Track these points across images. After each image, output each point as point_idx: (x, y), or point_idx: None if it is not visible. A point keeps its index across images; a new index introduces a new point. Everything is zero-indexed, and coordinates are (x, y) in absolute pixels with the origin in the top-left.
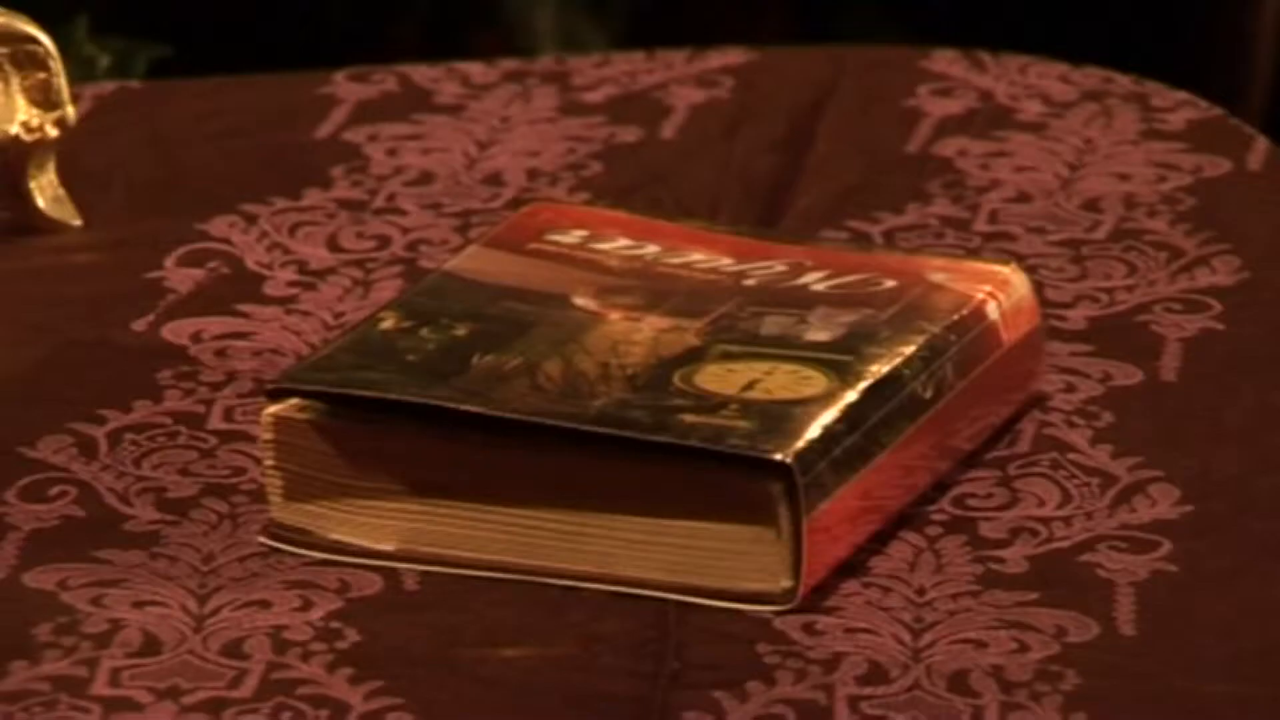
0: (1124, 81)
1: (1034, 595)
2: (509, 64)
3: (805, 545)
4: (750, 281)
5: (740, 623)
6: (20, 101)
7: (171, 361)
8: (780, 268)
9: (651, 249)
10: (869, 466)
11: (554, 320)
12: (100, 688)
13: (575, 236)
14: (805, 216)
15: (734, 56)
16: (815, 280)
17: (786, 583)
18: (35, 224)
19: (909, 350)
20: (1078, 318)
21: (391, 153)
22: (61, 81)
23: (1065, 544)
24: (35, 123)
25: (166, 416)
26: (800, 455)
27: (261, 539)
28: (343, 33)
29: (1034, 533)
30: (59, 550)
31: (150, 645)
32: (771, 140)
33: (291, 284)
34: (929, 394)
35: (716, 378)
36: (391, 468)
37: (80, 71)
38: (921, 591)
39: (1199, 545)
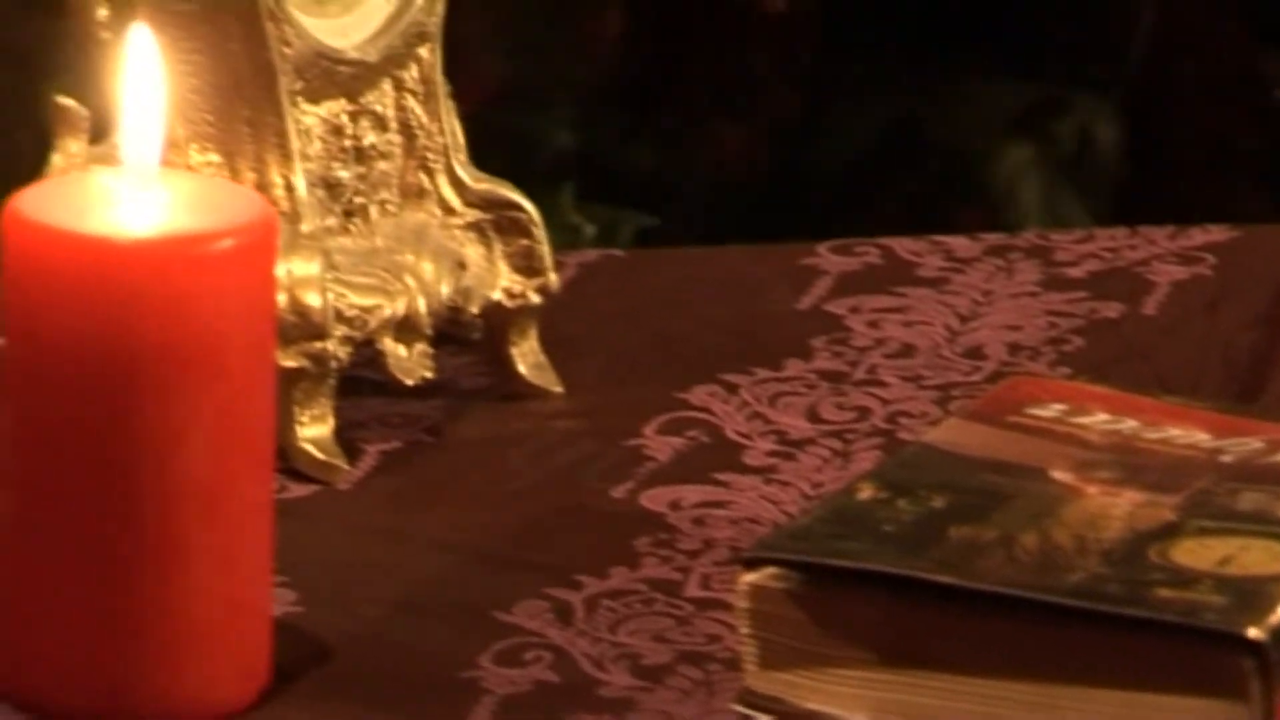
0: None
1: None
2: (992, 238)
3: None
4: (1227, 458)
5: None
6: (503, 268)
7: (649, 529)
8: (1257, 444)
9: (1130, 424)
10: None
11: (1031, 493)
12: None
13: (1055, 410)
14: None
15: (1216, 233)
16: None
17: None
18: (516, 390)
19: None
20: None
21: (873, 324)
22: (544, 249)
23: None
24: (517, 289)
25: (643, 583)
26: (1275, 632)
27: (736, 707)
28: (828, 207)
29: None
30: (532, 715)
31: None
32: (1253, 317)
33: (770, 454)
34: None
35: (1191, 553)
36: (866, 637)
37: (565, 239)
38: None
39: None
